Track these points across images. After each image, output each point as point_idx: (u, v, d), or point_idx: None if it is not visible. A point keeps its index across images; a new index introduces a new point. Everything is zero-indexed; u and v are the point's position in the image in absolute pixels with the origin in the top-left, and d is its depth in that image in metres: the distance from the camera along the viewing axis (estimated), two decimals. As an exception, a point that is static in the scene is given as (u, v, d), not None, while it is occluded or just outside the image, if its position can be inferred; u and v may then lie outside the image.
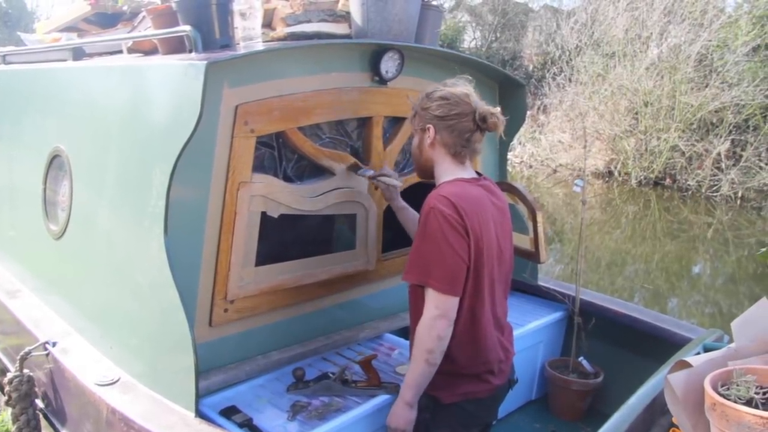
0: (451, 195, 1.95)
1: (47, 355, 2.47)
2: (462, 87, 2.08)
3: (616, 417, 1.77)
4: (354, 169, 2.57)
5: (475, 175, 2.13)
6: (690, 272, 8.30)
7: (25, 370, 2.53)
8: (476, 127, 2.05)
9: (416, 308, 2.05)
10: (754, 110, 11.62)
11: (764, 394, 1.37)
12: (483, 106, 2.06)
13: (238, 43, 2.36)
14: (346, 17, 2.55)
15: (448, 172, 2.09)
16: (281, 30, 2.46)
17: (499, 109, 2.08)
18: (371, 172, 2.54)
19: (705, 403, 1.42)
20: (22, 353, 2.49)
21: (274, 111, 2.27)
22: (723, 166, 11.60)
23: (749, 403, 1.35)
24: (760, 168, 11.33)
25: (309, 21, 2.46)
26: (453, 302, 1.93)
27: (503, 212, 2.16)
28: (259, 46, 2.34)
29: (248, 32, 2.36)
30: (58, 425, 2.53)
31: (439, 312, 1.91)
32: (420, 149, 2.15)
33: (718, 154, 11.64)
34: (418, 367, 1.96)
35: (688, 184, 11.90)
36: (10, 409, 2.58)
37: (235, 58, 2.14)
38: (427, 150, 2.11)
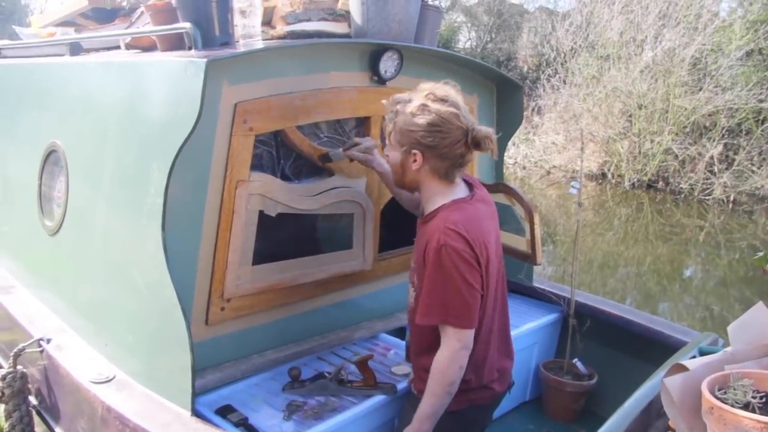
0: (459, 226, 1.86)
1: (41, 351, 2.46)
2: (449, 103, 1.88)
3: (612, 420, 1.77)
4: (325, 159, 2.48)
5: (466, 191, 2.03)
6: (682, 275, 8.33)
7: (19, 367, 2.51)
8: (468, 149, 1.92)
9: (421, 338, 2.05)
10: (747, 114, 11.69)
11: (761, 398, 1.38)
12: (475, 125, 1.91)
13: (238, 41, 2.36)
14: (345, 16, 2.55)
15: (441, 194, 1.98)
16: (281, 28, 2.46)
17: (492, 131, 1.93)
18: (340, 150, 2.43)
19: (702, 406, 1.43)
20: (15, 350, 2.47)
21: (273, 109, 2.26)
22: (716, 169, 11.65)
23: (746, 407, 1.36)
24: (753, 172, 11.40)
25: (309, 20, 2.46)
26: (472, 333, 1.92)
27: (495, 217, 2.12)
28: (259, 44, 2.34)
29: (248, 30, 2.36)
30: (51, 422, 2.52)
31: (461, 345, 1.90)
32: (403, 169, 1.99)
33: (711, 157, 11.69)
34: (439, 399, 1.92)
35: (681, 188, 11.95)
36: (3, 406, 2.57)
37: (235, 56, 2.13)
38: (413, 173, 1.97)
